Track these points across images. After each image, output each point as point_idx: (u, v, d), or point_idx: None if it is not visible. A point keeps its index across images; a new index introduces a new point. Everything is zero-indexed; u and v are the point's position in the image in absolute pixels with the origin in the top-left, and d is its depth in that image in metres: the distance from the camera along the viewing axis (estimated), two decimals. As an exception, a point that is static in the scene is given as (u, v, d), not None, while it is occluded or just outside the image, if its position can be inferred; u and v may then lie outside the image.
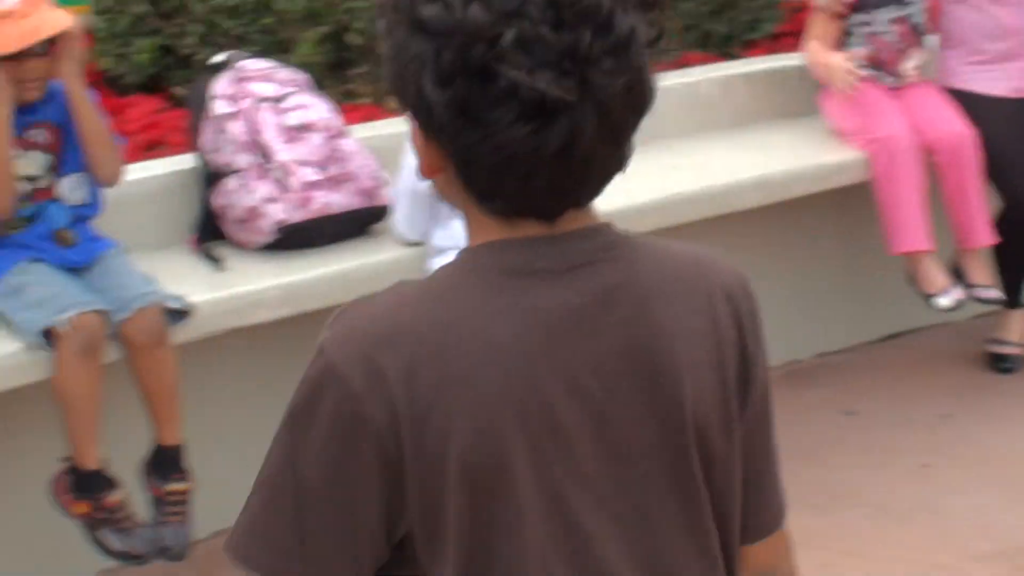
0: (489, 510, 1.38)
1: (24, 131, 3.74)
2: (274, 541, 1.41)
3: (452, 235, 3.79)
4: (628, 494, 1.43)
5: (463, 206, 1.43)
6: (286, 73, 4.34)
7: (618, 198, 4.46)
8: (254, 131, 4.14)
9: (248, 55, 4.47)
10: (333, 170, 4.13)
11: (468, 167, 1.37)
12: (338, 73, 5.63)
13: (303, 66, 4.72)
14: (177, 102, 5.61)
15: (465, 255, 1.43)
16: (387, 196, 4.17)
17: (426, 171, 1.43)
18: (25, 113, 3.72)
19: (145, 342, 3.61)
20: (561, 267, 1.39)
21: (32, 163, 3.75)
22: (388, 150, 4.24)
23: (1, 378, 3.58)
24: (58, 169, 3.80)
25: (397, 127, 4.50)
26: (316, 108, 4.25)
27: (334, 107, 4.39)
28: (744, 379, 1.48)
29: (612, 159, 1.38)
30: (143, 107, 5.54)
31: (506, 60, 1.29)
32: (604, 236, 1.43)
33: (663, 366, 1.41)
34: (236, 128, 4.16)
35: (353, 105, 5.37)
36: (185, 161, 4.36)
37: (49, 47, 3.65)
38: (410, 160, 3.81)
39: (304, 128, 4.17)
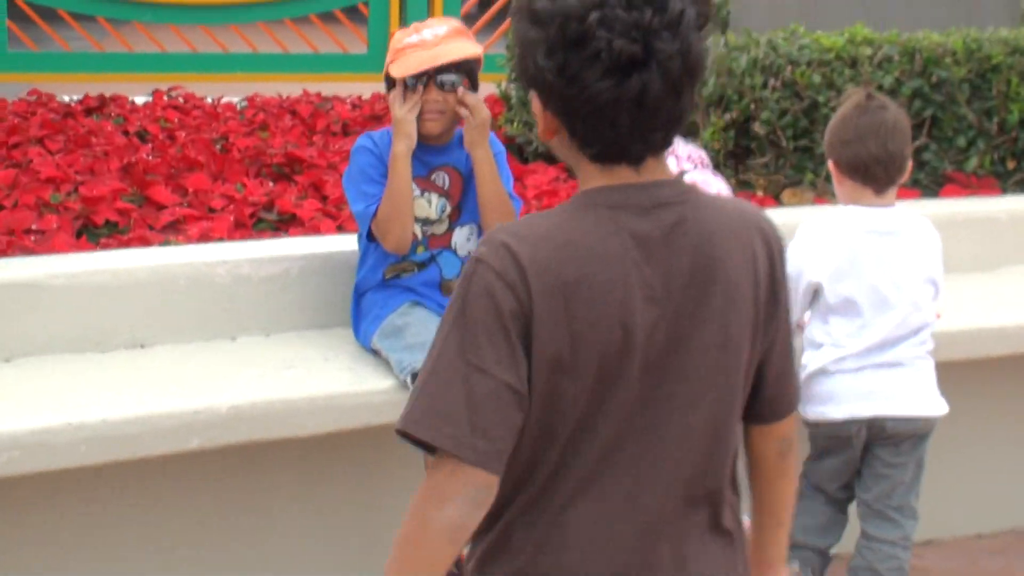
0: (587, 382, 1.87)
1: (429, 172, 3.85)
2: (449, 416, 1.84)
3: (830, 332, 3.70)
4: (685, 378, 1.92)
5: (574, 160, 1.93)
6: (688, 149, 4.35)
7: (979, 318, 4.32)
8: (647, 204, 4.17)
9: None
10: (719, 250, 4.11)
11: (572, 119, 1.87)
12: (738, 161, 5.63)
13: (704, 150, 4.73)
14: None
15: (579, 196, 1.92)
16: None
17: (544, 134, 1.94)
18: (432, 154, 3.83)
19: None
20: (648, 205, 1.89)
21: (430, 206, 3.85)
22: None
23: (373, 413, 3.70)
24: (455, 217, 3.89)
25: (789, 217, 4.45)
26: (713, 187, 4.24)
27: (731, 188, 4.38)
28: (772, 300, 1.99)
29: (674, 110, 1.86)
30: (543, 175, 5.68)
31: (592, 33, 1.80)
32: (677, 186, 1.93)
33: (717, 282, 1.91)
34: (630, 199, 4.19)
35: (748, 194, 5.36)
36: (575, 227, 4.42)
37: (458, 83, 3.73)
38: (796, 247, 3.75)
39: (696, 206, 4.16)
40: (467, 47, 3.75)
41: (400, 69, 3.71)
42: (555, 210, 1.94)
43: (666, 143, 1.91)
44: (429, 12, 8.41)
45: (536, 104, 1.92)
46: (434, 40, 3.71)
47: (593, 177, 1.92)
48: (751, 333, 1.96)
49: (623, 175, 1.90)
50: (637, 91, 1.81)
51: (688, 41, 1.84)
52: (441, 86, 3.73)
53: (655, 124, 1.86)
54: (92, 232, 4.74)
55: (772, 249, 1.99)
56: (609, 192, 1.90)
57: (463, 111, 3.73)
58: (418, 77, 3.70)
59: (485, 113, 3.75)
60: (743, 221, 1.97)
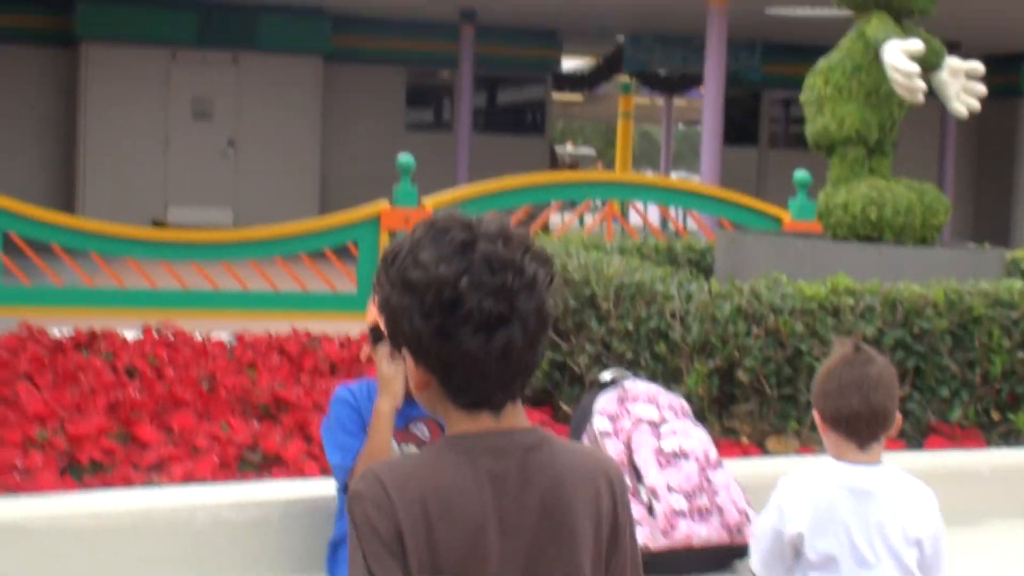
0: None
1: (407, 424, 3.87)
2: None
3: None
4: None
5: (443, 409, 2.13)
6: (669, 398, 4.40)
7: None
8: (629, 451, 4.19)
9: (634, 375, 4.55)
10: (701, 500, 4.12)
11: (446, 373, 2.08)
12: (722, 408, 5.66)
13: (688, 396, 4.76)
14: (563, 417, 5.74)
15: (445, 440, 2.13)
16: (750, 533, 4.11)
17: (417, 388, 2.12)
18: (411, 406, 3.85)
19: None
20: (505, 448, 2.10)
21: (407, 457, 3.86)
22: (760, 488, 4.19)
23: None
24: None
25: (774, 467, 4.47)
26: (694, 436, 4.28)
27: (712, 438, 4.40)
28: (613, 539, 2.19)
29: (530, 360, 2.10)
30: (530, 419, 5.68)
31: (464, 296, 2.04)
32: (533, 434, 2.13)
33: (564, 519, 2.13)
34: (612, 446, 4.22)
35: (733, 441, 5.37)
36: (559, 474, 4.42)
37: None
38: (776, 500, 3.74)
39: (679, 455, 4.18)
40: None
41: None
42: (424, 452, 2.17)
43: (522, 389, 2.14)
44: (419, 253, 8.53)
45: (409, 361, 2.13)
46: None
47: (459, 422, 2.14)
48: (593, 568, 2.17)
49: (485, 420, 2.13)
50: (503, 345, 2.06)
51: (542, 298, 2.10)
52: None
53: (515, 373, 2.10)
54: (76, 470, 4.72)
55: (615, 492, 2.20)
56: (472, 438, 2.13)
57: None
58: None
59: None
60: (591, 465, 2.20)
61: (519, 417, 2.16)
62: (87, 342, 7.11)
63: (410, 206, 8.85)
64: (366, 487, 2.08)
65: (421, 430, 3.89)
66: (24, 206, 8.57)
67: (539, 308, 2.10)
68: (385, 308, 2.13)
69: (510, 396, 2.14)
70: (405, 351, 2.12)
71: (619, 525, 2.21)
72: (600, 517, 2.18)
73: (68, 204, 20.56)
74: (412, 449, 3.86)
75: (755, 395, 5.57)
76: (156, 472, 4.68)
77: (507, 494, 2.11)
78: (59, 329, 7.46)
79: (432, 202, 9.02)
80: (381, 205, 8.93)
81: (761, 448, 5.39)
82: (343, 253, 8.92)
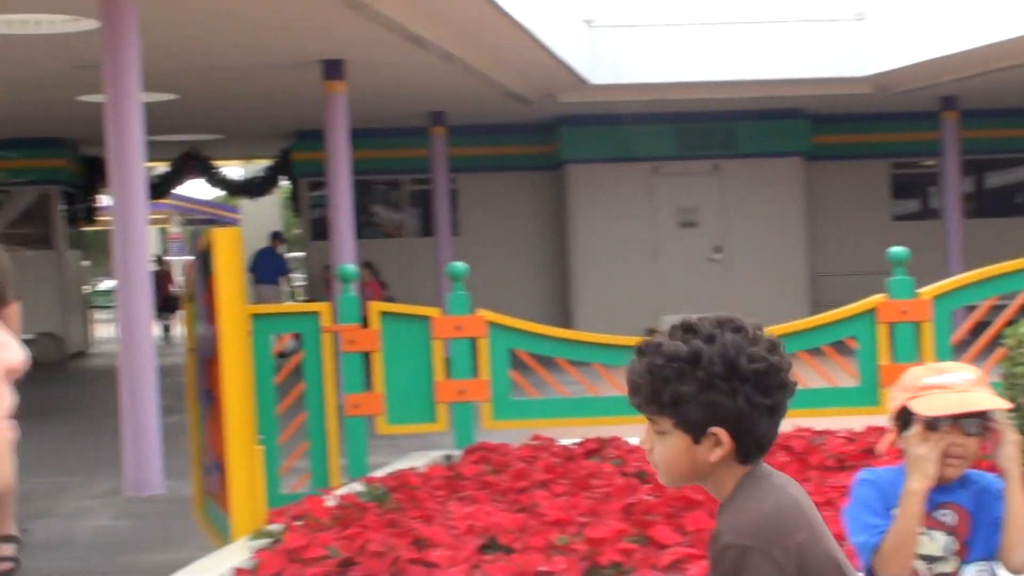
0: None
1: (933, 510, 3.80)
2: None
3: None
4: None
5: (726, 467, 2.55)
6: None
7: None
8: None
9: None
10: None
11: (758, 438, 2.54)
12: None
13: None
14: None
15: (753, 480, 2.55)
16: None
17: (716, 458, 2.52)
18: (938, 492, 3.78)
19: None
20: (782, 473, 2.59)
21: (933, 544, 3.77)
22: None
23: None
24: (962, 555, 3.80)
25: None
26: None
27: None
28: None
29: None
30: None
31: (787, 376, 2.57)
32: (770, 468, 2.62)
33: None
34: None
35: None
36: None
37: (981, 430, 3.71)
38: None
39: None
40: (995, 399, 3.73)
41: (926, 408, 3.70)
42: (757, 493, 2.56)
43: None
44: (918, 346, 8.39)
45: (723, 436, 2.53)
46: (963, 385, 3.70)
47: (736, 473, 2.57)
48: None
49: (757, 463, 2.59)
50: (787, 407, 2.57)
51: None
52: (966, 431, 3.70)
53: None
54: (597, 572, 4.86)
55: None
56: (767, 474, 2.58)
57: (998, 429, 3.72)
58: (941, 419, 3.70)
59: (1016, 434, 3.74)
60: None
61: None
62: (596, 449, 7.33)
63: (906, 298, 8.70)
64: (755, 540, 2.51)
65: (948, 517, 3.81)
66: (527, 324, 8.95)
67: None
68: (699, 399, 2.54)
69: None
70: (717, 431, 2.53)
71: None
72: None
73: (564, 316, 21.31)
74: (941, 536, 3.78)
75: None
76: (675, 572, 4.77)
77: (807, 503, 2.60)
78: (567, 438, 7.72)
79: (930, 292, 8.84)
80: (878, 299, 8.82)
81: None
82: (839, 346, 8.84)
